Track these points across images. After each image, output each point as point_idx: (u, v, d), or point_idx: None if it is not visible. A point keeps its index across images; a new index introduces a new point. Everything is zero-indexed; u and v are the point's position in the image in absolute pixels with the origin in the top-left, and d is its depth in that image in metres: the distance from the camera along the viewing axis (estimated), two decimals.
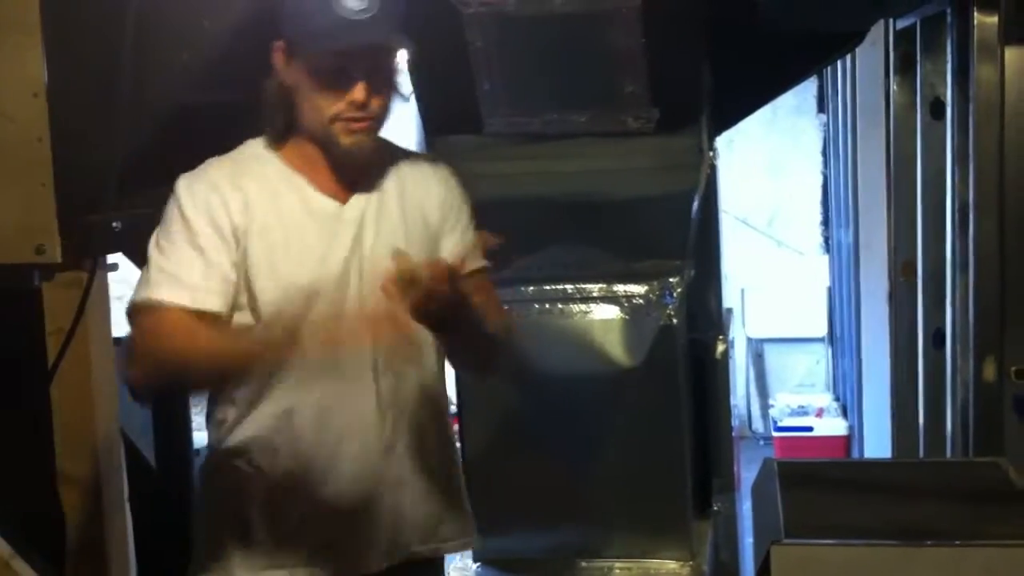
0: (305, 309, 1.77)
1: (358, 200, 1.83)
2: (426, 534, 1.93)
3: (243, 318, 1.82)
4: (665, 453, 2.11)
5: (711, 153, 2.45)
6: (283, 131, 1.85)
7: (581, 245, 2.29)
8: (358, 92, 1.76)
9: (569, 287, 2.30)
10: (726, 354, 2.42)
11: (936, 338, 3.25)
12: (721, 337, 2.45)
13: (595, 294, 2.27)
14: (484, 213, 2.33)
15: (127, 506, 2.38)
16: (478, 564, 2.19)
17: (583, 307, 2.28)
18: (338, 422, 1.85)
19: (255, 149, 1.85)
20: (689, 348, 2.24)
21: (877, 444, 4.76)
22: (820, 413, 6.36)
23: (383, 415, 1.87)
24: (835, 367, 7.24)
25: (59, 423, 2.10)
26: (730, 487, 2.41)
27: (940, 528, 1.72)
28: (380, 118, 1.81)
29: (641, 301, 2.17)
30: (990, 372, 2.69)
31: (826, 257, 7.33)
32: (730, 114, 2.56)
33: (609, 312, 2.21)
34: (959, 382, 2.97)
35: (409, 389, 1.88)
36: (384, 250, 1.80)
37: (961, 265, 2.94)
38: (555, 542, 2.17)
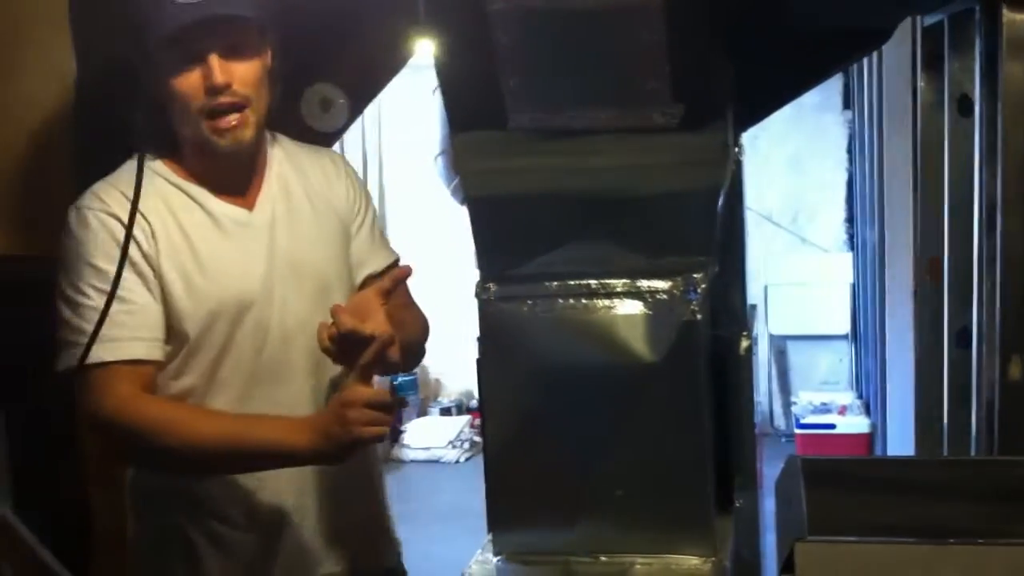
0: (233, 326, 1.71)
1: (264, 202, 1.77)
2: (344, 554, 1.89)
3: (164, 350, 1.74)
4: (687, 449, 2.11)
5: (736, 149, 2.44)
6: (164, 142, 1.75)
7: (605, 241, 2.29)
8: (212, 73, 1.68)
9: (593, 282, 2.30)
10: (750, 350, 2.42)
11: (961, 336, 3.23)
12: (745, 333, 2.44)
13: (619, 289, 2.27)
14: (509, 209, 2.34)
15: None
16: (499, 558, 2.19)
17: (607, 302, 2.28)
18: None
19: (141, 166, 1.74)
20: (712, 344, 2.24)
21: (900, 442, 4.75)
22: (843, 411, 6.35)
23: None
24: (858, 365, 7.21)
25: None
26: (752, 484, 2.41)
27: (965, 527, 1.71)
28: (255, 108, 1.71)
29: (665, 297, 2.17)
30: (1016, 371, 2.68)
31: (850, 254, 7.30)
32: (755, 110, 2.55)
33: (633, 307, 2.21)
34: (984, 381, 2.95)
35: None
36: (303, 251, 1.77)
37: (988, 263, 2.92)
38: (575, 537, 2.17)
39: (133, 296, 1.68)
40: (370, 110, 3.92)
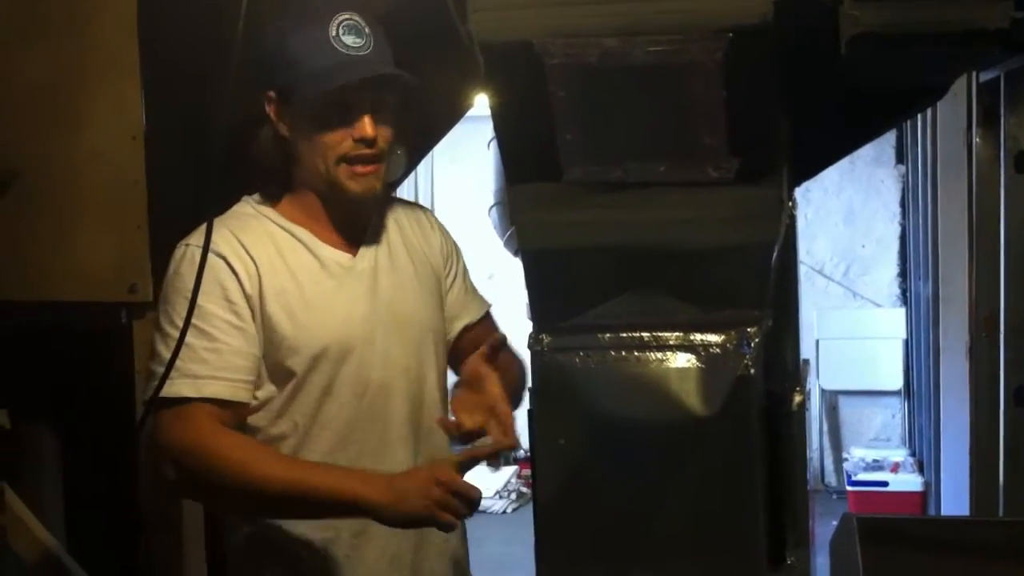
0: (336, 367, 1.73)
1: (367, 251, 1.80)
2: None
3: (266, 390, 1.75)
4: (739, 504, 2.10)
5: (790, 203, 2.45)
6: (281, 185, 1.79)
7: (658, 293, 2.30)
8: (365, 127, 1.72)
9: (646, 335, 2.30)
10: (803, 406, 2.40)
11: (1018, 394, 3.19)
12: (798, 389, 2.43)
13: (672, 342, 2.27)
14: (561, 261, 2.35)
15: (203, 554, 2.42)
16: None
17: (659, 355, 2.28)
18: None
19: (250, 207, 1.78)
20: (765, 399, 2.23)
21: (954, 502, 4.67)
22: (895, 468, 6.26)
23: None
24: (911, 422, 7.12)
25: (144, 462, 2.16)
26: (804, 541, 2.38)
27: None
28: (384, 165, 1.76)
29: (718, 350, 2.17)
30: None
31: (903, 309, 7.23)
32: (809, 165, 2.56)
33: (685, 361, 2.21)
34: None
35: (443, 451, 1.88)
36: (403, 300, 1.80)
37: None
38: None
39: (222, 335, 1.70)
40: (424, 160, 3.98)
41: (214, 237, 1.72)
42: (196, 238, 1.74)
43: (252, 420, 1.78)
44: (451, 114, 2.59)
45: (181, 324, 1.71)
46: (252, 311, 1.73)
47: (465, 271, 1.99)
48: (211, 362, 1.68)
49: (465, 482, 1.73)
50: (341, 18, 1.73)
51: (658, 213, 2.29)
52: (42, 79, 2.28)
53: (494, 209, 2.82)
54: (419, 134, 2.53)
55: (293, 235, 1.78)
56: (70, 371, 2.32)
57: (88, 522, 2.47)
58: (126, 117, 2.20)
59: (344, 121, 1.74)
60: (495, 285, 4.75)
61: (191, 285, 1.69)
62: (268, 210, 1.79)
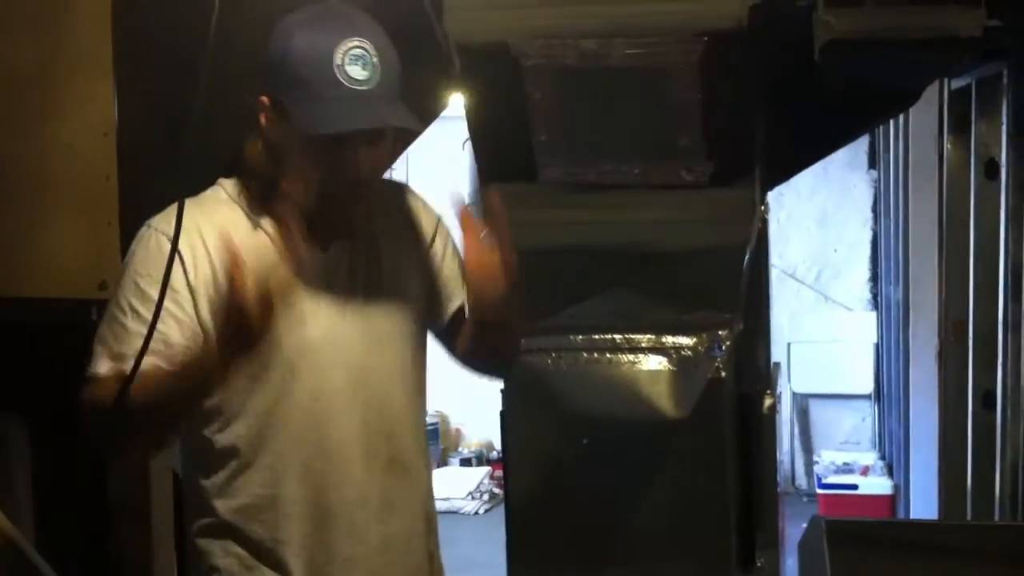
0: (291, 368, 1.69)
1: (340, 247, 1.76)
2: None
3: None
4: (709, 507, 2.11)
5: (763, 207, 2.46)
6: (264, 189, 1.74)
7: (631, 295, 2.30)
8: (358, 170, 1.68)
9: (618, 337, 2.31)
10: (773, 409, 2.42)
11: (986, 399, 3.22)
12: (769, 392, 2.44)
13: (643, 344, 2.28)
14: (536, 261, 2.35)
15: (173, 544, 2.41)
16: None
17: (631, 357, 2.29)
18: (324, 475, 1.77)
19: (224, 193, 1.73)
20: (737, 402, 2.24)
21: (923, 505, 4.70)
22: (865, 471, 6.29)
23: (369, 464, 1.79)
24: (881, 425, 7.16)
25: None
26: (774, 543, 2.40)
27: None
28: (372, 192, 1.73)
29: (690, 353, 2.18)
30: None
31: (874, 313, 7.27)
32: (783, 169, 2.58)
33: (657, 363, 2.22)
34: (1008, 444, 2.94)
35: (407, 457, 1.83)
36: (375, 300, 1.76)
37: (1013, 326, 2.91)
38: None
39: (161, 325, 1.68)
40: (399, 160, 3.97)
41: (170, 221, 1.71)
42: (160, 220, 1.72)
43: (206, 431, 1.75)
44: (426, 114, 2.58)
45: (123, 305, 1.70)
46: (195, 302, 1.70)
47: (455, 247, 1.91)
48: (136, 346, 1.66)
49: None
50: (349, 45, 1.64)
51: (632, 214, 2.30)
52: (14, 72, 2.26)
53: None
54: (394, 134, 2.53)
55: (262, 228, 1.73)
56: (39, 366, 2.30)
57: (58, 515, 2.45)
58: (98, 112, 2.19)
59: (338, 158, 1.69)
60: None
61: (141, 267, 1.68)
62: (242, 199, 1.74)
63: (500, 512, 2.28)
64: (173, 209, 1.65)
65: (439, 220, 1.90)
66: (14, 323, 2.23)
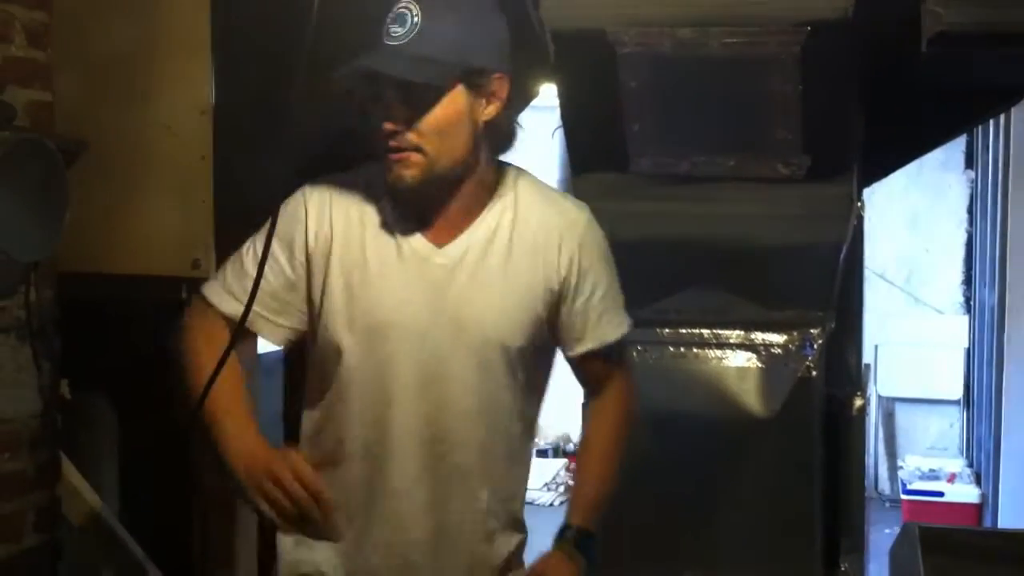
0: (380, 350, 1.70)
1: (459, 245, 1.75)
2: None
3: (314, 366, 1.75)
4: (795, 508, 2.07)
5: (859, 204, 2.40)
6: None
7: (721, 290, 2.26)
8: (385, 120, 1.70)
9: (706, 332, 2.27)
10: (863, 411, 2.36)
11: None
12: (859, 393, 2.38)
13: (732, 341, 2.24)
14: (623, 252, 2.32)
15: (255, 526, 2.43)
16: None
17: (719, 353, 2.25)
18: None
19: (362, 177, 1.77)
20: (826, 402, 2.19)
21: (1013, 514, 4.58)
22: (952, 478, 6.14)
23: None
24: (969, 432, 6.99)
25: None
26: (859, 547, 2.34)
27: None
28: (429, 154, 1.70)
29: (779, 351, 2.14)
30: None
31: (966, 317, 7.10)
32: (880, 166, 2.52)
33: (746, 360, 2.18)
34: None
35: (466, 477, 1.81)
36: (473, 303, 1.73)
37: None
38: None
39: (268, 272, 1.73)
40: None
41: (314, 190, 1.76)
42: (311, 187, 1.77)
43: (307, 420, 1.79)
44: (516, 102, 2.56)
45: (245, 251, 1.77)
46: (309, 269, 1.74)
47: (605, 290, 1.86)
48: (235, 286, 1.74)
49: (298, 486, 1.65)
50: (397, 6, 1.70)
51: (724, 207, 2.26)
52: (113, 54, 2.30)
53: None
54: None
55: (383, 213, 1.75)
56: (129, 344, 2.34)
57: (142, 493, 2.49)
58: (196, 92, 2.21)
59: (375, 110, 1.72)
60: None
61: (274, 225, 1.74)
62: (377, 183, 1.77)
63: None
64: (326, 179, 1.74)
65: (593, 259, 1.83)
66: (106, 300, 2.27)
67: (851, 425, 2.33)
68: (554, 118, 2.64)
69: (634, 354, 2.29)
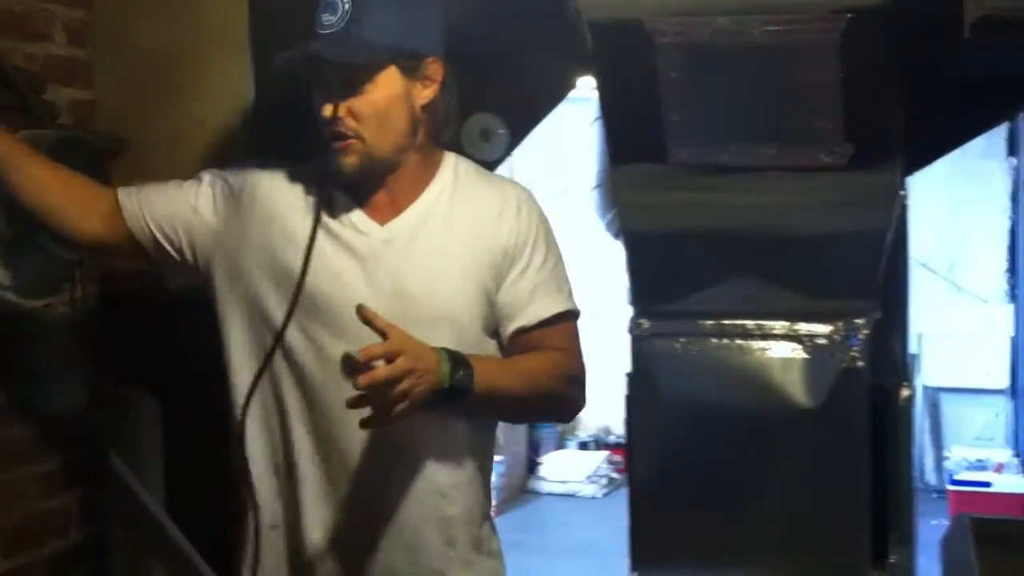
0: (307, 326, 1.70)
1: (399, 221, 1.75)
2: None
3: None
4: (843, 500, 2.05)
5: (902, 192, 2.37)
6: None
7: (763, 280, 2.24)
8: (323, 107, 1.72)
9: (749, 323, 2.25)
10: (910, 401, 2.33)
11: None
12: (905, 383, 2.35)
13: (776, 331, 2.22)
14: (665, 243, 2.31)
15: None
16: None
17: (762, 344, 2.23)
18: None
19: (320, 157, 1.78)
20: (871, 393, 2.17)
21: None
22: (999, 469, 6.07)
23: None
24: (1017, 422, 6.91)
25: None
26: (908, 540, 2.31)
27: None
28: (368, 141, 1.70)
29: (824, 341, 2.11)
30: None
31: (1011, 305, 7.02)
32: (922, 154, 2.48)
33: (790, 351, 2.16)
34: None
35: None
36: (415, 279, 1.73)
37: None
38: None
39: (173, 190, 1.80)
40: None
41: (252, 171, 1.80)
42: (260, 170, 1.81)
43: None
44: (553, 93, 2.56)
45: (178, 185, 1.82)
46: (192, 218, 1.78)
47: (545, 267, 1.84)
48: (149, 197, 1.81)
49: None
50: None
51: (766, 197, 2.23)
52: (151, 51, 2.32)
53: (596, 191, 2.79)
54: (520, 113, 2.51)
55: (325, 194, 1.75)
56: (171, 339, 2.36)
57: (186, 488, 2.50)
58: (234, 88, 2.23)
59: (316, 96, 1.74)
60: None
61: (214, 174, 1.80)
62: (321, 167, 1.78)
63: (618, 496, 2.24)
64: (276, 163, 1.79)
65: (534, 235, 1.82)
66: (148, 295, 2.29)
67: (898, 416, 2.30)
68: (591, 109, 2.63)
69: (676, 346, 2.28)
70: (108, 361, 2.41)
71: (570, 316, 1.85)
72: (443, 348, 1.68)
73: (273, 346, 1.72)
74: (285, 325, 1.71)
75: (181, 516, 2.44)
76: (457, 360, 1.68)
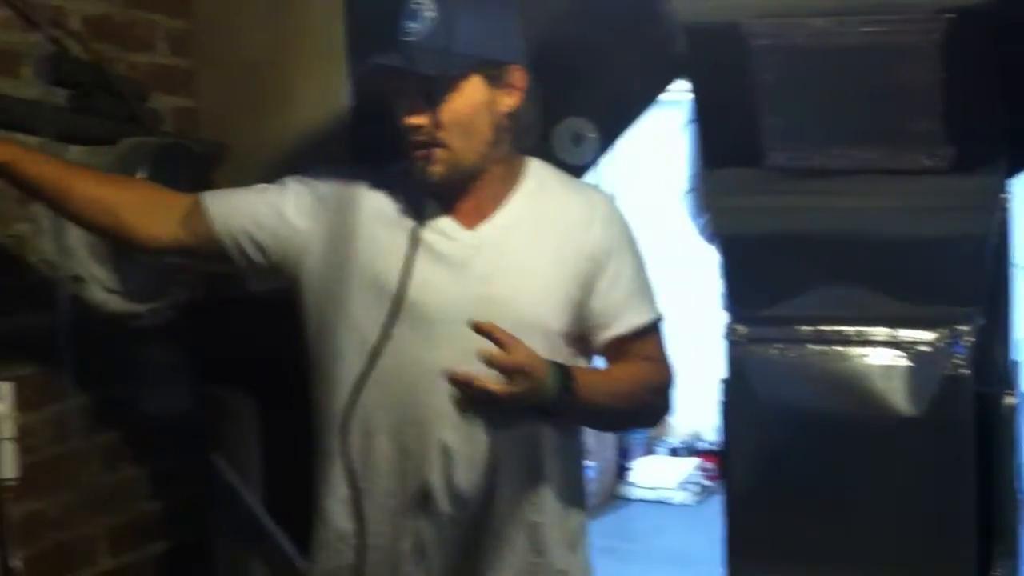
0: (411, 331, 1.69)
1: (486, 227, 1.74)
2: None
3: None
4: (946, 510, 2.00)
5: (1004, 196, 2.32)
6: None
7: (863, 286, 2.20)
8: (407, 115, 1.71)
9: (848, 329, 2.22)
10: (1013, 410, 2.27)
11: None
12: (1009, 391, 2.30)
13: (876, 338, 2.18)
14: (761, 248, 2.29)
15: None
16: None
17: (862, 351, 2.20)
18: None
19: (405, 163, 1.78)
20: (975, 401, 2.12)
21: None
22: None
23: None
24: None
25: None
26: (1012, 552, 2.26)
27: None
28: (451, 148, 1.69)
29: (927, 348, 2.07)
30: None
31: None
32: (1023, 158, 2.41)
33: (891, 358, 2.12)
34: None
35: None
36: (503, 285, 1.71)
37: None
38: None
39: (258, 195, 1.81)
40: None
41: (340, 177, 1.80)
42: (335, 176, 1.82)
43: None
44: (645, 97, 2.55)
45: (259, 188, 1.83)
46: (278, 226, 1.78)
47: (634, 276, 1.83)
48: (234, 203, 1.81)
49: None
50: (411, 1, 1.71)
51: (865, 201, 2.19)
52: (251, 60, 2.37)
53: (688, 195, 2.77)
54: (612, 117, 2.50)
55: (411, 201, 1.75)
56: (270, 342, 2.40)
57: (284, 490, 2.54)
58: (331, 97, 2.27)
59: (398, 105, 1.74)
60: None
61: (293, 182, 1.81)
62: (407, 173, 1.79)
63: (710, 504, 2.22)
64: (355, 169, 1.80)
65: (619, 241, 1.81)
66: (247, 298, 2.34)
67: (1001, 424, 2.24)
68: (682, 113, 2.61)
69: (773, 352, 2.25)
70: (210, 364, 2.47)
71: (659, 323, 1.87)
72: (552, 360, 1.69)
73: (371, 358, 1.71)
74: (384, 336, 1.71)
75: (279, 517, 2.49)
76: (563, 373, 1.70)
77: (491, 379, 1.64)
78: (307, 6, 2.29)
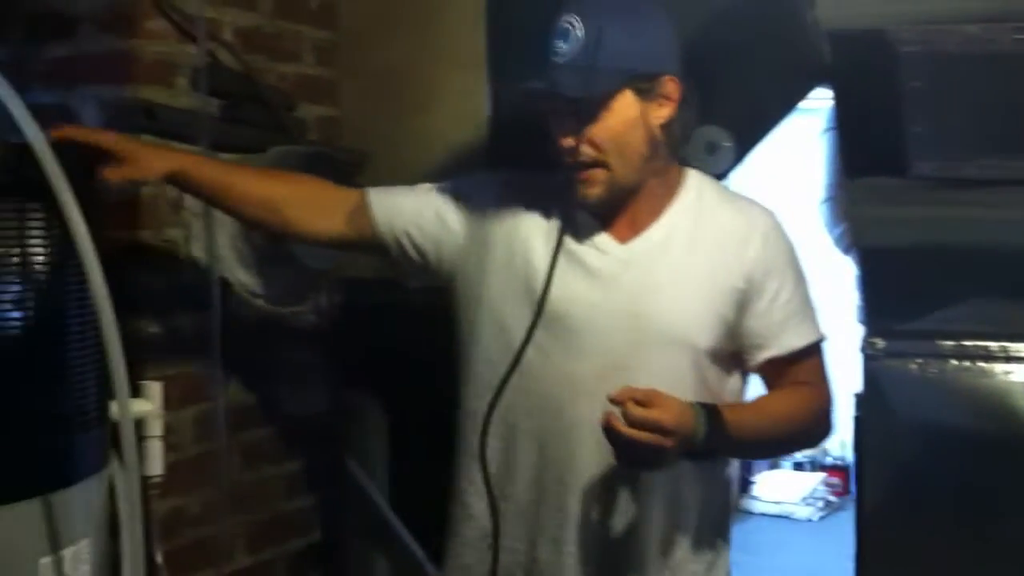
0: (559, 341, 1.68)
1: (641, 241, 1.71)
2: None
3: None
4: None
5: None
6: None
7: (1008, 301, 2.14)
8: (562, 135, 1.68)
9: (992, 344, 2.16)
10: None
11: None
12: None
13: (1021, 354, 2.12)
14: (902, 260, 2.24)
15: None
16: None
17: (1006, 367, 2.13)
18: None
19: (563, 177, 1.77)
20: None
21: None
22: None
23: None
24: None
25: None
26: None
27: None
28: (611, 167, 1.66)
29: None
30: None
31: None
32: None
33: None
34: None
35: None
36: (653, 301, 1.68)
37: None
38: None
39: (423, 196, 1.83)
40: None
41: (497, 185, 1.82)
42: (505, 183, 1.83)
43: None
44: (782, 105, 2.51)
45: (420, 187, 1.86)
46: (440, 232, 1.81)
47: (793, 297, 1.78)
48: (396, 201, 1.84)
49: None
50: (559, 22, 1.69)
51: (1016, 213, 2.13)
52: (392, 68, 2.42)
53: (824, 204, 2.73)
54: (748, 126, 2.47)
55: (567, 213, 1.74)
56: (402, 347, 2.43)
57: (413, 494, 2.58)
58: (471, 104, 2.30)
59: (552, 126, 1.72)
60: None
61: (456, 184, 1.84)
62: (563, 187, 1.79)
63: (835, 520, 2.17)
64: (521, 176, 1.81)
65: (780, 260, 1.77)
66: (379, 305, 2.38)
67: None
68: (817, 121, 2.57)
69: (913, 367, 2.20)
70: (346, 367, 2.51)
71: (820, 345, 1.82)
72: (698, 403, 1.65)
73: (512, 365, 1.71)
74: (524, 344, 1.71)
75: (407, 520, 2.52)
76: (710, 415, 1.64)
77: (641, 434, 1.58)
78: (447, 17, 2.33)
